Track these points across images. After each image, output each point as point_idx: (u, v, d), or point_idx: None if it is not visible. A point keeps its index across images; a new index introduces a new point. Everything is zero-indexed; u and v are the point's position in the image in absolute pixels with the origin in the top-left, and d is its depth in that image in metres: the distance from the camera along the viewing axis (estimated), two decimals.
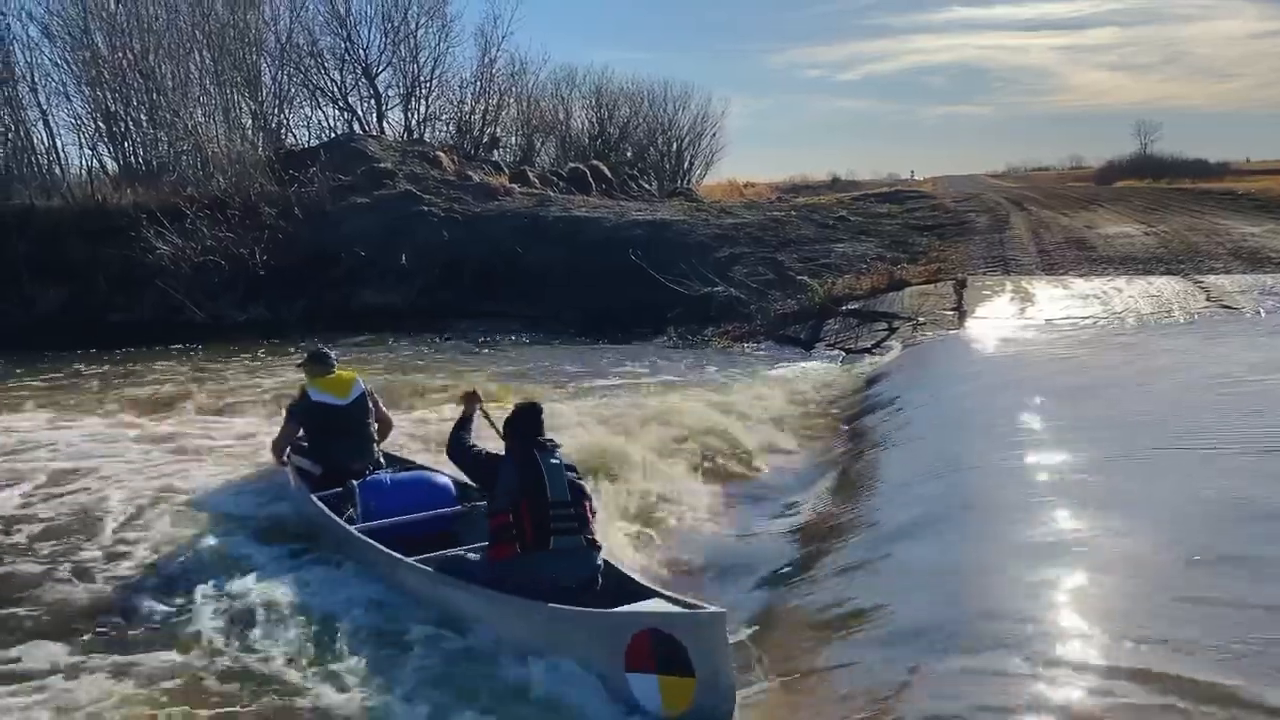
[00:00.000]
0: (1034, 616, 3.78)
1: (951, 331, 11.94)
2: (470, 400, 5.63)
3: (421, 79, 27.96)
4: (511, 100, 29.95)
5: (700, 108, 36.89)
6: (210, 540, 6.18)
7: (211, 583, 5.47)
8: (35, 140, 22.53)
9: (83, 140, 23.22)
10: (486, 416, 5.64)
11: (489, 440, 5.56)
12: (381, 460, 6.73)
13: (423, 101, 28.16)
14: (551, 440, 4.89)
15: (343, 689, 4.33)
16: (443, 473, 6.39)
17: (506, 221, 19.08)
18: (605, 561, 4.77)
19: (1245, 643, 3.33)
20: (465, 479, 5.82)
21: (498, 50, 29.25)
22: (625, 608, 4.34)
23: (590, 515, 4.79)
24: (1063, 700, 3.15)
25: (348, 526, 5.79)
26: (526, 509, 4.62)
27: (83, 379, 12.59)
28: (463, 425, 5.38)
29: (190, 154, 21.73)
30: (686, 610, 4.17)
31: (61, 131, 23.58)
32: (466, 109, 28.71)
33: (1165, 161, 49.41)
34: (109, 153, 23.30)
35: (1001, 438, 6.66)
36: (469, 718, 4.03)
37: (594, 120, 33.95)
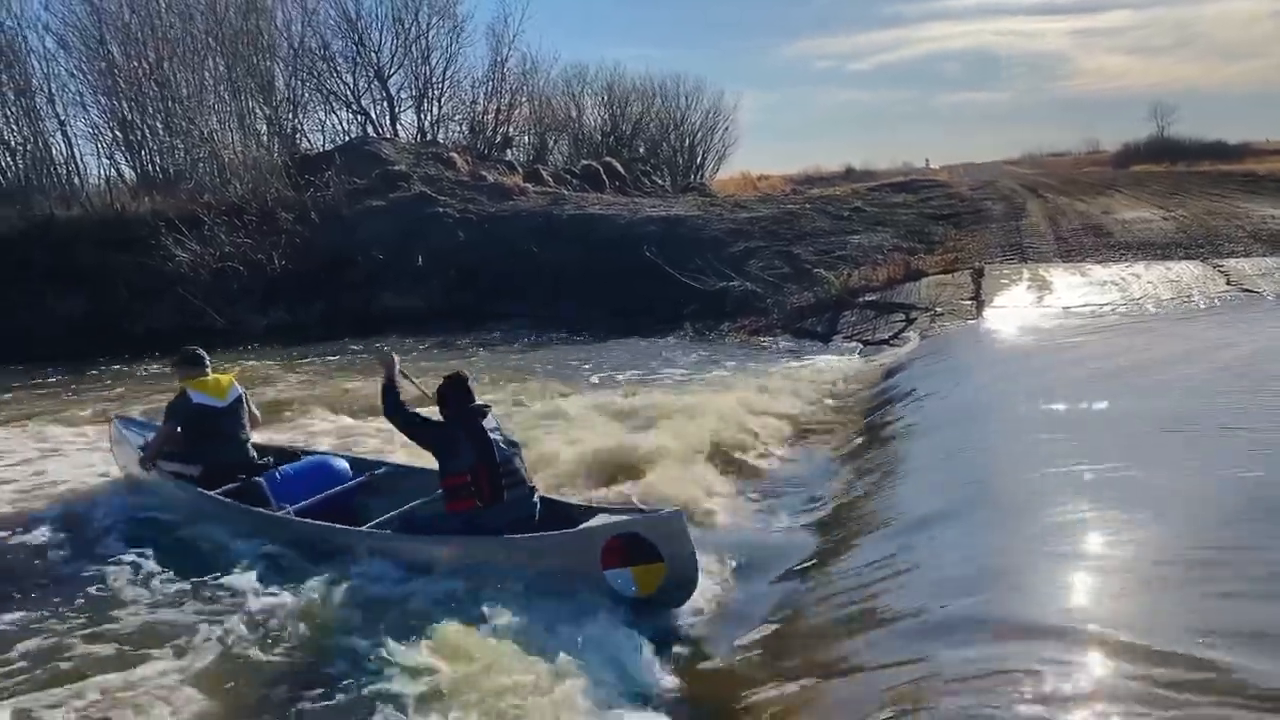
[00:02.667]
0: (1058, 609, 3.76)
1: (970, 321, 11.90)
2: (390, 365, 5.98)
3: (434, 80, 28.10)
4: (524, 99, 30.02)
5: (712, 102, 36.84)
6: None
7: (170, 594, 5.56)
8: (54, 151, 22.77)
9: (100, 150, 23.48)
10: (408, 377, 6.01)
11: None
12: (255, 456, 6.96)
13: (435, 103, 28.28)
14: (485, 405, 5.65)
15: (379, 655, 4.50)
16: (332, 453, 7.17)
17: (521, 221, 19.14)
18: (542, 498, 5.66)
19: (1272, 634, 3.31)
20: (356, 455, 6.93)
21: (509, 50, 29.35)
22: (591, 523, 5.28)
23: (525, 463, 5.66)
24: (1087, 693, 3.14)
25: (289, 514, 6.17)
26: (483, 473, 5.39)
27: (95, 387, 12.72)
28: (391, 387, 5.82)
29: (207, 161, 21.90)
30: (649, 513, 5.25)
31: (79, 141, 23.84)
32: (479, 109, 28.82)
33: (1183, 144, 48.86)
34: (126, 161, 23.54)
35: (1022, 428, 6.65)
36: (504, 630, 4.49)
37: (606, 117, 33.95)
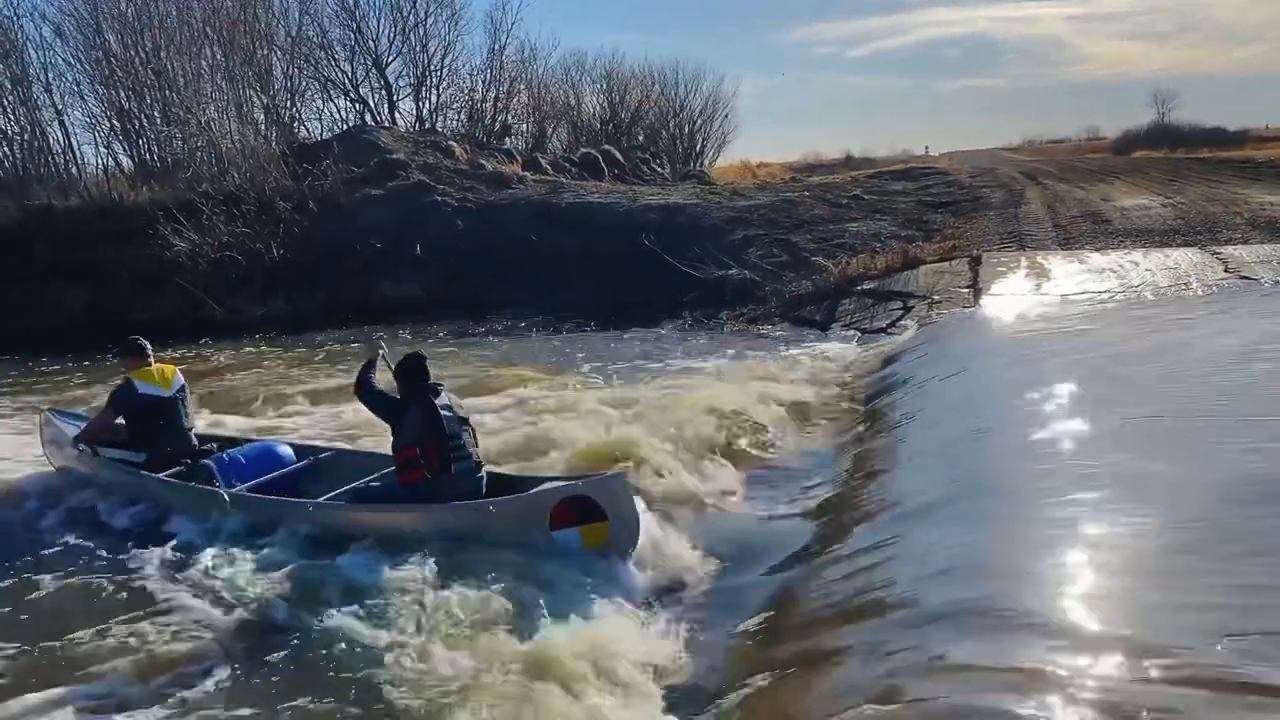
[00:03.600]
0: (1053, 601, 3.77)
1: (967, 309, 11.92)
2: (374, 347, 6.44)
3: (432, 68, 28.03)
4: (522, 87, 29.97)
5: (711, 89, 36.84)
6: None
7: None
8: (51, 140, 22.76)
9: (98, 139, 23.48)
10: (386, 360, 6.30)
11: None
12: (198, 444, 7.15)
13: (434, 91, 28.22)
14: (439, 384, 5.97)
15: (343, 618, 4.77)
16: (274, 440, 7.48)
17: (519, 210, 19.13)
18: (488, 472, 6.00)
19: (1268, 628, 3.32)
20: (299, 442, 7.41)
21: (507, 37, 29.31)
22: (539, 489, 5.68)
23: (475, 439, 5.98)
24: (1080, 687, 3.14)
25: (243, 492, 6.39)
26: (432, 446, 5.71)
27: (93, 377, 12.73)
28: (369, 368, 6.18)
29: (204, 150, 21.85)
30: (592, 476, 5.68)
31: (77, 131, 23.86)
32: (477, 97, 28.77)
33: (1183, 130, 48.81)
34: (124, 151, 23.54)
35: (1019, 416, 6.67)
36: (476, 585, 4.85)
37: (605, 105, 33.94)
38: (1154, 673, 3.13)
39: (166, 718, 4.11)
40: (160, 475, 6.72)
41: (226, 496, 6.31)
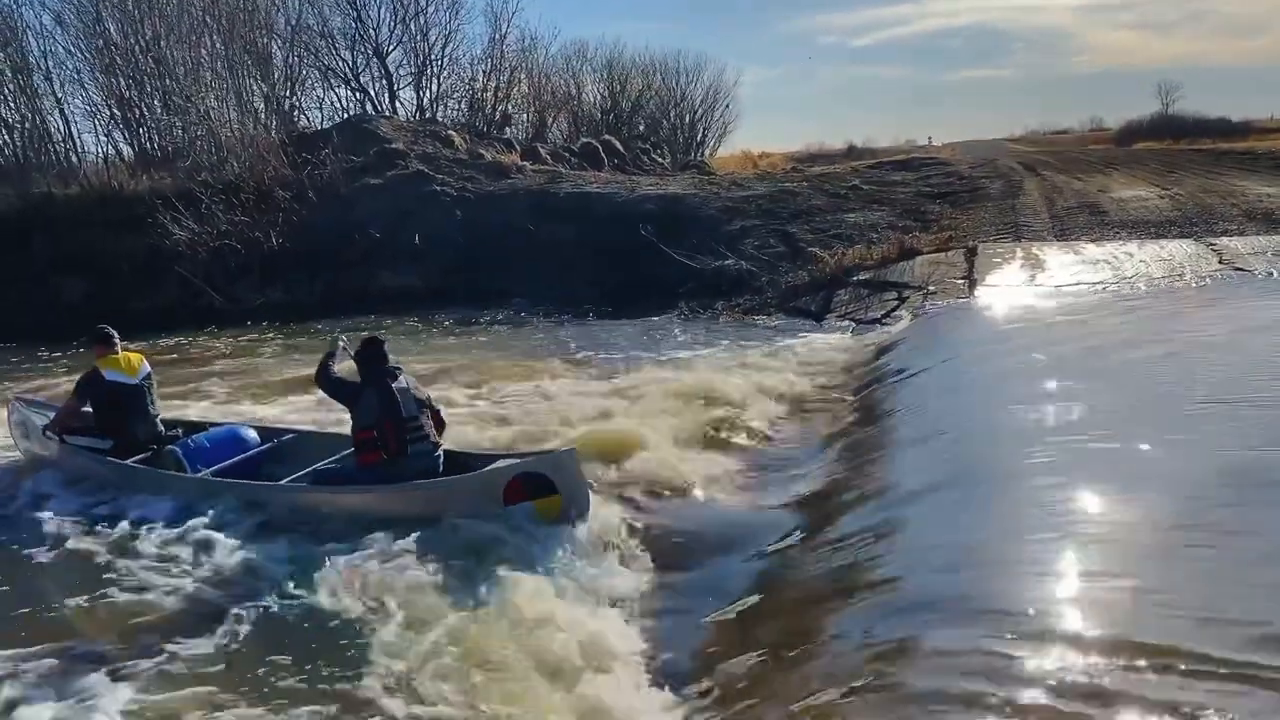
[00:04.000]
0: (1039, 590, 3.80)
1: (961, 300, 11.97)
2: (335, 340, 6.60)
3: (432, 57, 28.02)
4: (523, 76, 29.93)
5: (713, 79, 36.76)
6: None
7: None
8: (51, 128, 22.80)
9: (98, 127, 23.52)
10: (347, 351, 6.45)
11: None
12: (164, 430, 7.27)
13: (434, 80, 28.22)
14: (397, 367, 6.14)
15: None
16: (239, 424, 7.64)
17: (518, 200, 19.16)
18: (445, 451, 6.18)
19: (1252, 615, 3.33)
20: (263, 425, 7.59)
21: (508, 26, 29.26)
22: (494, 465, 5.95)
23: (431, 421, 6.16)
24: (1062, 671, 3.17)
25: (208, 476, 6.56)
26: (389, 428, 5.91)
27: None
28: (329, 359, 6.30)
29: (204, 139, 21.88)
30: (544, 453, 5.99)
31: (77, 119, 23.87)
32: (478, 87, 28.74)
33: (1187, 121, 48.56)
34: (124, 139, 23.58)
35: (1010, 405, 6.72)
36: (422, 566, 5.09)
37: (606, 94, 33.87)
38: (1135, 660, 3.16)
39: (130, 696, 4.18)
40: (127, 461, 6.85)
41: (192, 481, 6.51)
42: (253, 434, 7.32)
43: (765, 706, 3.64)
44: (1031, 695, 3.06)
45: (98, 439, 7.13)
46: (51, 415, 7.48)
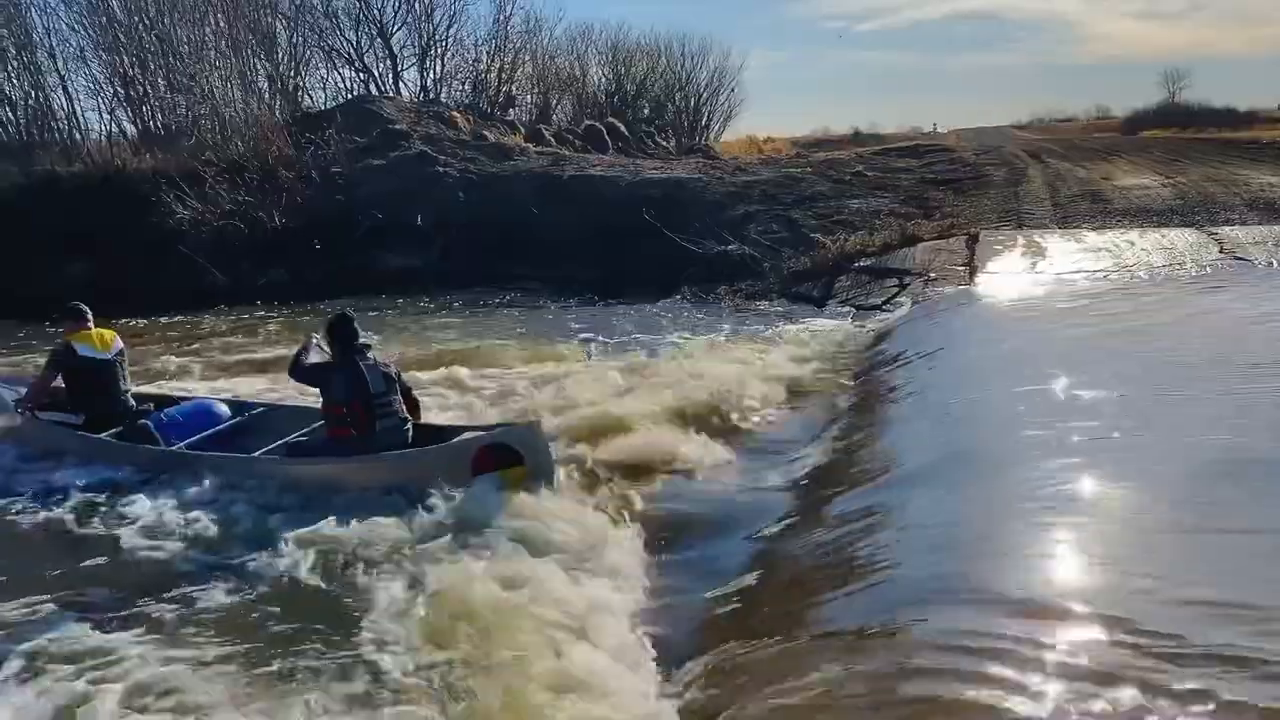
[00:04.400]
0: (1034, 576, 3.81)
1: (962, 287, 11.99)
2: (309, 337, 6.73)
3: (436, 38, 27.95)
4: (527, 58, 29.89)
5: (718, 62, 36.62)
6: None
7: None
8: (55, 106, 22.78)
9: (101, 105, 23.49)
10: (320, 347, 6.57)
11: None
12: (135, 405, 7.42)
13: (438, 61, 28.16)
14: (366, 344, 6.33)
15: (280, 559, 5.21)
16: (209, 398, 7.82)
17: (522, 182, 19.16)
18: (415, 425, 6.37)
19: (1245, 599, 3.36)
20: (234, 399, 7.82)
21: (513, 7, 29.19)
22: (461, 437, 6.20)
23: (400, 397, 6.35)
24: (1059, 652, 3.19)
25: (181, 449, 6.69)
26: (358, 405, 6.10)
27: None
28: (302, 352, 6.48)
29: (208, 117, 21.88)
30: (510, 425, 6.23)
31: (80, 97, 23.79)
32: (482, 67, 28.68)
33: (1193, 110, 48.48)
34: (128, 117, 23.54)
35: (1008, 391, 6.76)
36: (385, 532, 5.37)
37: (610, 77, 33.76)
38: (1130, 644, 3.18)
39: (106, 662, 4.26)
40: (99, 435, 6.96)
41: (165, 453, 6.62)
42: (224, 408, 7.45)
43: (759, 685, 3.69)
44: (1029, 675, 3.09)
45: (70, 415, 7.23)
46: (22, 391, 7.55)
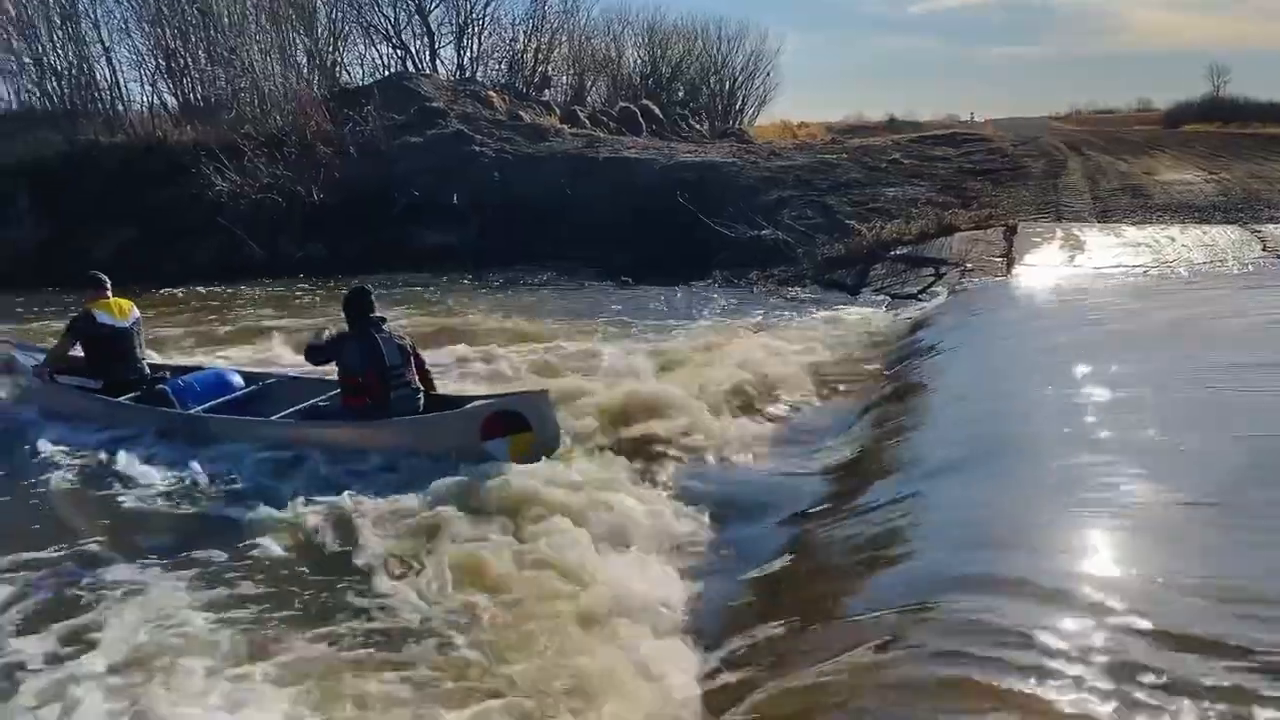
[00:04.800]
0: (1066, 567, 3.79)
1: (999, 278, 11.89)
2: (322, 329, 7.03)
3: (474, 16, 28.00)
4: (563, 38, 29.86)
5: (755, 45, 36.39)
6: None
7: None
8: (98, 76, 23.04)
9: (143, 76, 23.71)
10: (330, 335, 6.74)
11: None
12: (149, 372, 7.70)
13: (475, 39, 28.18)
14: (381, 317, 6.50)
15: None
16: (225, 368, 8.07)
17: (556, 163, 19.19)
18: (426, 396, 6.61)
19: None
20: (248, 369, 8.09)
21: None
22: (472, 405, 6.38)
23: (414, 368, 6.57)
24: (1088, 644, 3.18)
25: (198, 413, 6.96)
26: (373, 375, 6.31)
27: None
28: (316, 338, 6.73)
29: (248, 91, 22.04)
30: (519, 393, 6.45)
31: (123, 68, 24.06)
32: (518, 47, 28.69)
33: (1238, 104, 47.46)
34: (169, 89, 23.75)
35: (1044, 384, 6.70)
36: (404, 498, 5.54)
37: (646, 59, 33.66)
38: (1162, 637, 3.17)
39: (127, 616, 4.40)
40: (118, 399, 7.19)
41: (183, 416, 6.85)
42: (238, 378, 7.69)
43: (791, 666, 3.73)
44: (1059, 663, 3.09)
45: (89, 380, 7.47)
46: (41, 357, 7.80)
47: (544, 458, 5.96)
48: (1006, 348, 8.41)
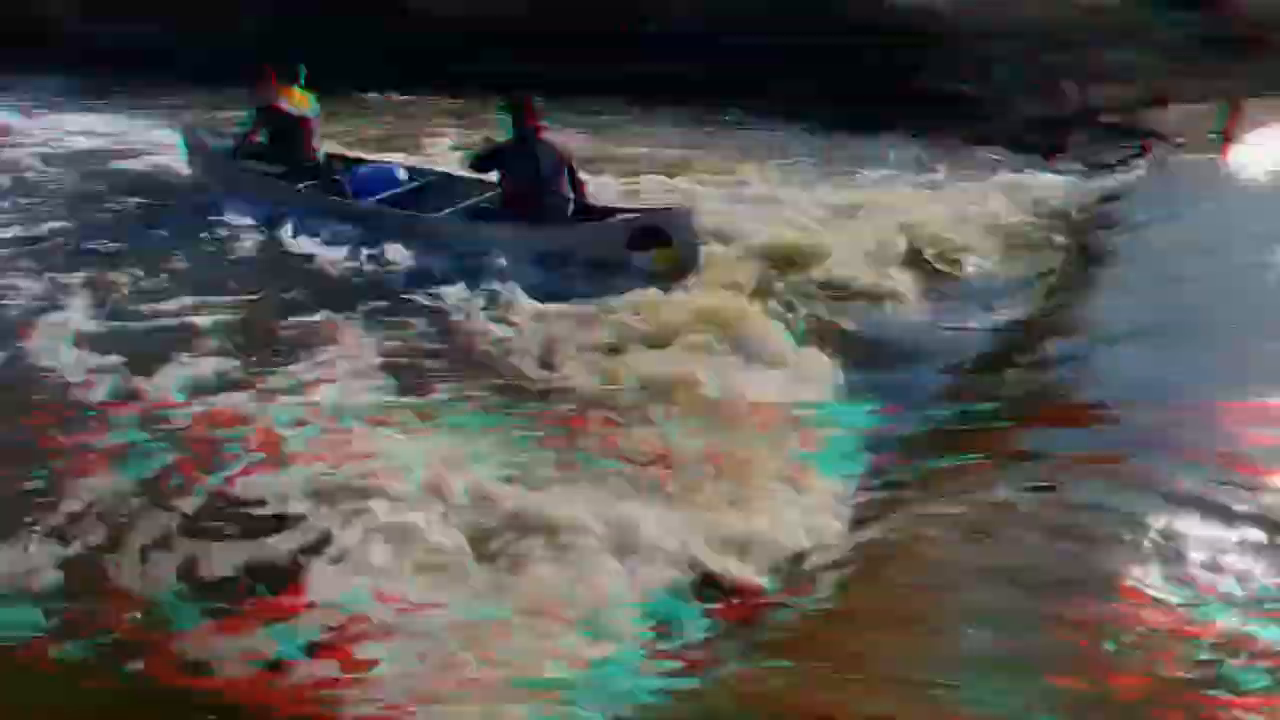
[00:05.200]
0: (1249, 434, 3.86)
1: (1210, 156, 11.09)
2: (487, 137, 7.58)
3: None
4: None
5: None
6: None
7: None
8: None
9: None
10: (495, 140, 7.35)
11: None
12: (324, 161, 8.30)
13: None
14: (540, 125, 6.95)
15: None
16: (392, 163, 8.45)
17: None
18: (579, 205, 7.08)
19: None
20: (412, 166, 8.46)
21: None
22: (620, 217, 6.87)
23: (566, 178, 7.03)
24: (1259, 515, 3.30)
25: (372, 204, 7.58)
26: (528, 183, 6.88)
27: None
28: (483, 145, 7.33)
29: None
30: (665, 208, 6.96)
31: None
32: None
33: None
34: None
35: (1239, 265, 6.40)
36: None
37: None
38: None
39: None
40: (297, 185, 7.90)
41: (357, 206, 7.54)
42: (404, 172, 8.16)
43: (937, 496, 3.92)
44: (1226, 530, 3.24)
45: (271, 165, 8.16)
46: (221, 141, 8.60)
47: (686, 275, 6.42)
48: (1205, 226, 7.99)
